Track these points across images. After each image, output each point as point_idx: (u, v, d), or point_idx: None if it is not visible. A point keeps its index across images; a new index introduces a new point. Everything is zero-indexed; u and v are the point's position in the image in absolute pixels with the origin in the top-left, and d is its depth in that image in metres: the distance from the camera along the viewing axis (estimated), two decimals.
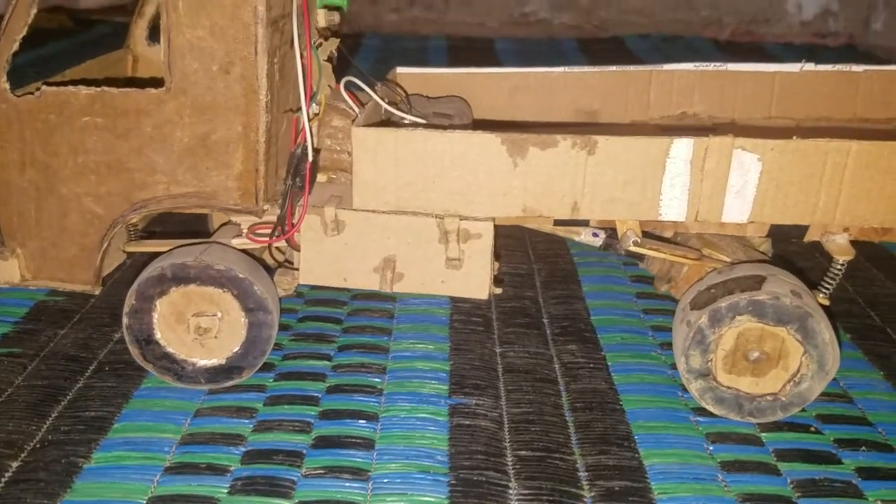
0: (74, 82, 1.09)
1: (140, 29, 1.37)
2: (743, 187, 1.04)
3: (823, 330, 1.04)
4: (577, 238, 1.28)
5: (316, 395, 1.14)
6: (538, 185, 1.07)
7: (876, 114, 1.44)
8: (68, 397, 1.12)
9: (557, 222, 1.14)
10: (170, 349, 1.13)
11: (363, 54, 3.20)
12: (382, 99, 1.21)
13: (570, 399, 1.14)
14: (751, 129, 1.36)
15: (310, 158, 1.08)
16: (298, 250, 1.15)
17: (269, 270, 1.20)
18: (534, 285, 1.46)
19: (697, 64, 1.45)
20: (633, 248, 1.14)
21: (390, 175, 1.08)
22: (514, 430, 1.08)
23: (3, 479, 0.97)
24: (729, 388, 1.09)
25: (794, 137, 1.02)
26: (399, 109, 1.21)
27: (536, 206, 1.08)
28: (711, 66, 1.44)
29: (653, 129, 1.43)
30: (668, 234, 1.22)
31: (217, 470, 1.00)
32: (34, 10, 1.05)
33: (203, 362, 1.14)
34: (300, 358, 1.23)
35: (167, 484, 0.97)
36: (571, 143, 1.05)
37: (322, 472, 1.00)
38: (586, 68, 1.45)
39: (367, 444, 1.05)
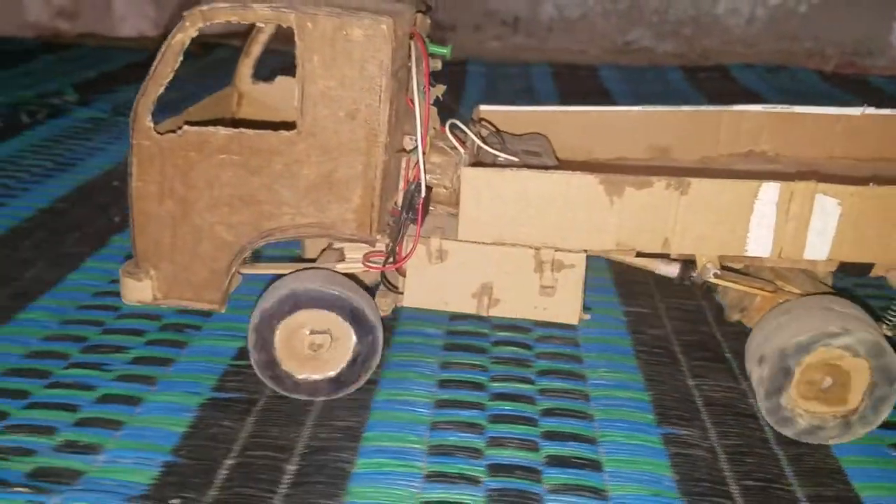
0: (202, 122, 1.16)
1: (246, 67, 1.44)
2: (823, 228, 1.13)
3: (893, 360, 1.13)
4: (655, 270, 1.33)
5: (533, 416, 1.22)
6: (632, 221, 1.16)
7: None
8: (318, 407, 1.21)
9: (638, 254, 1.22)
10: (284, 365, 1.19)
11: (470, 81, 3.26)
12: (480, 139, 1.27)
13: (773, 433, 1.20)
14: (819, 171, 1.44)
15: (422, 195, 1.14)
16: (404, 275, 1.22)
17: (369, 292, 1.26)
18: (706, 319, 1.50)
19: (766, 106, 1.52)
20: (713, 280, 1.23)
21: (494, 211, 1.16)
22: (731, 461, 1.14)
23: (286, 481, 1.07)
24: (806, 412, 1.17)
25: (871, 184, 1.11)
26: (494, 148, 1.27)
27: (629, 241, 1.16)
28: (779, 108, 1.52)
29: (722, 166, 1.50)
30: (740, 265, 1.30)
31: (471, 480, 1.08)
32: (181, 58, 1.10)
33: (314, 377, 1.20)
34: (506, 380, 1.30)
35: (429, 491, 1.06)
36: (666, 184, 1.13)
37: (563, 488, 1.08)
38: (661, 108, 1.53)
39: (595, 465, 1.13)
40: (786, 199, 1.15)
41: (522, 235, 1.17)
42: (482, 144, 1.27)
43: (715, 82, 3.46)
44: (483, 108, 1.48)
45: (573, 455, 1.14)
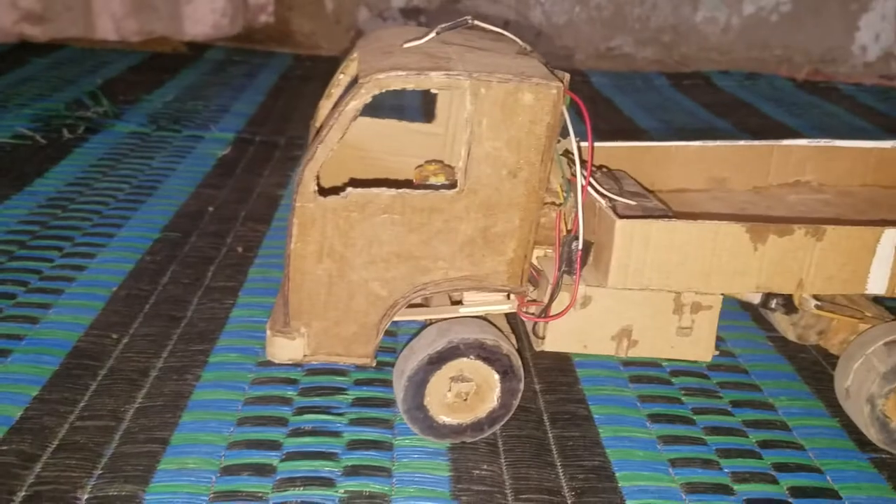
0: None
1: (325, 109, 1.40)
2: None
3: None
4: (739, 297, 1.38)
5: (753, 448, 1.23)
6: (773, 265, 1.17)
7: None
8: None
9: None
10: (430, 411, 1.18)
11: None
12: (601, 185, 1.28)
13: None
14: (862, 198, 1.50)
15: (580, 248, 1.14)
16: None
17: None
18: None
19: (810, 140, 1.57)
20: (815, 311, 1.27)
21: (644, 259, 1.16)
22: None
23: None
24: None
25: None
26: (610, 191, 1.27)
27: (768, 283, 1.18)
28: (822, 143, 1.57)
29: (774, 195, 1.54)
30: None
31: None
32: (351, 125, 1.08)
33: (456, 421, 1.19)
34: (709, 413, 1.30)
35: None
36: (805, 231, 1.16)
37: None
38: (718, 143, 1.55)
39: (833, 494, 1.18)
40: None
41: (669, 281, 1.17)
42: (603, 191, 1.26)
43: (700, 89, 3.54)
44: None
45: (807, 485, 1.19)
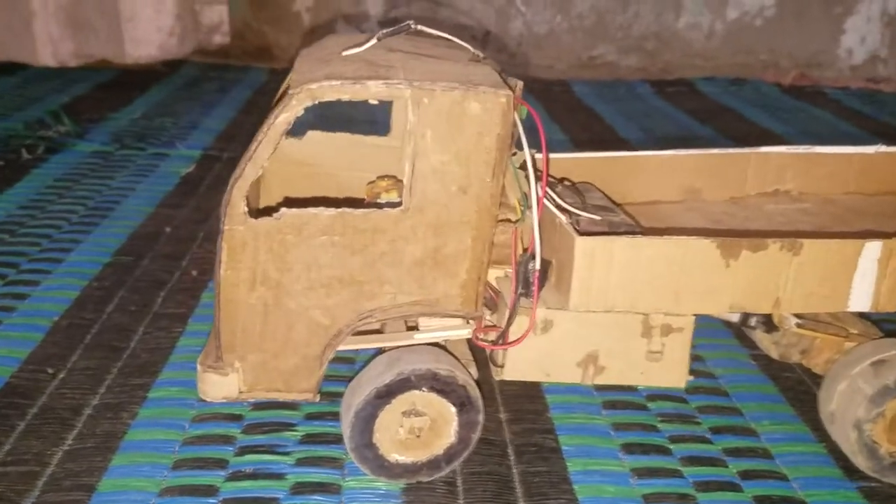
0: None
1: None
2: None
3: None
4: (717, 315, 1.28)
5: (734, 481, 1.14)
6: (747, 283, 1.07)
7: None
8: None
9: None
10: (381, 449, 1.08)
11: None
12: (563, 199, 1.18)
13: None
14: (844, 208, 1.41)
15: (537, 268, 1.04)
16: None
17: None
18: None
19: (789, 147, 1.48)
20: (796, 329, 1.17)
21: (607, 279, 1.06)
22: None
23: None
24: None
25: None
26: (571, 205, 1.17)
27: (742, 302, 1.08)
28: (801, 149, 1.48)
29: (753, 206, 1.45)
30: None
31: None
32: (283, 139, 0.98)
33: (410, 459, 1.09)
34: (685, 441, 1.20)
35: None
36: (780, 246, 1.06)
37: None
38: (692, 151, 1.46)
39: None
40: (886, 255, 1.09)
41: (636, 302, 1.07)
42: (565, 206, 1.15)
43: (684, 96, 3.45)
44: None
45: None
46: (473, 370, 1.15)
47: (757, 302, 1.08)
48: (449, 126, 0.99)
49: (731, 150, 1.47)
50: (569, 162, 1.40)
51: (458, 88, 0.98)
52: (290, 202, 1.08)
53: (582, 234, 1.05)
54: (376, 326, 1.13)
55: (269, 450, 1.17)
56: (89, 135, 2.55)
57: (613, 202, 1.28)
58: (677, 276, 1.06)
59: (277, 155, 1.31)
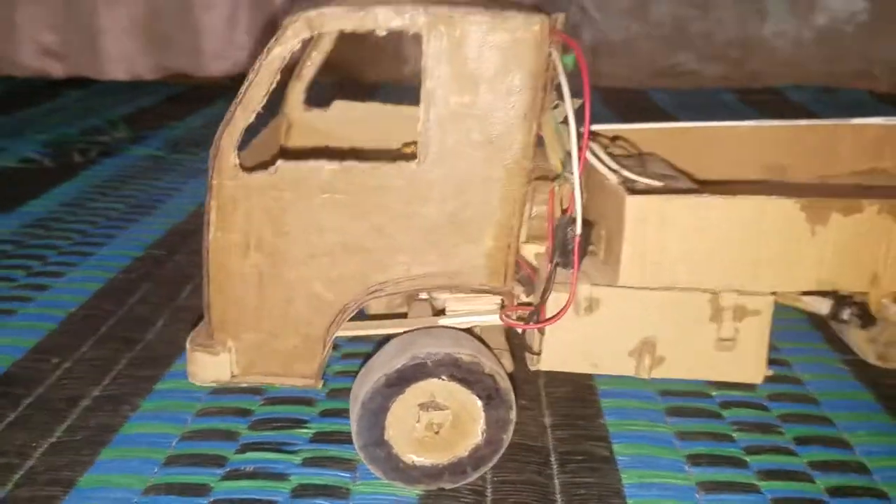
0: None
1: (297, 93, 1.18)
2: None
3: None
4: (802, 306, 1.09)
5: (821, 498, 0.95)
6: (837, 255, 0.88)
7: None
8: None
9: None
10: (394, 448, 0.91)
11: None
12: (616, 162, 1.00)
13: None
14: None
15: (578, 233, 0.87)
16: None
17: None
18: None
19: (887, 119, 1.28)
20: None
21: (665, 248, 0.88)
22: None
23: None
24: None
25: None
26: (632, 172, 1.00)
27: (832, 279, 0.89)
28: None
29: (846, 186, 1.25)
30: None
31: None
32: (278, 78, 0.84)
33: (429, 462, 0.92)
34: (769, 452, 1.03)
35: None
36: (878, 209, 0.86)
37: None
38: (776, 122, 1.27)
39: None
40: None
41: (700, 277, 0.88)
42: (618, 168, 0.98)
43: (771, 104, 3.21)
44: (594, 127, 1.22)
45: None
46: (508, 361, 0.98)
47: (850, 278, 0.89)
48: (471, 61, 0.83)
49: (820, 122, 1.27)
50: (633, 133, 1.22)
51: (483, 14, 0.82)
52: (285, 155, 0.94)
53: (634, 192, 0.87)
54: (390, 303, 0.97)
55: (276, 448, 1.01)
56: (146, 141, 2.48)
57: (682, 173, 1.10)
58: (752, 244, 0.87)
59: (301, 130, 1.21)
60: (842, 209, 0.86)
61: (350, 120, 1.20)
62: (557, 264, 0.88)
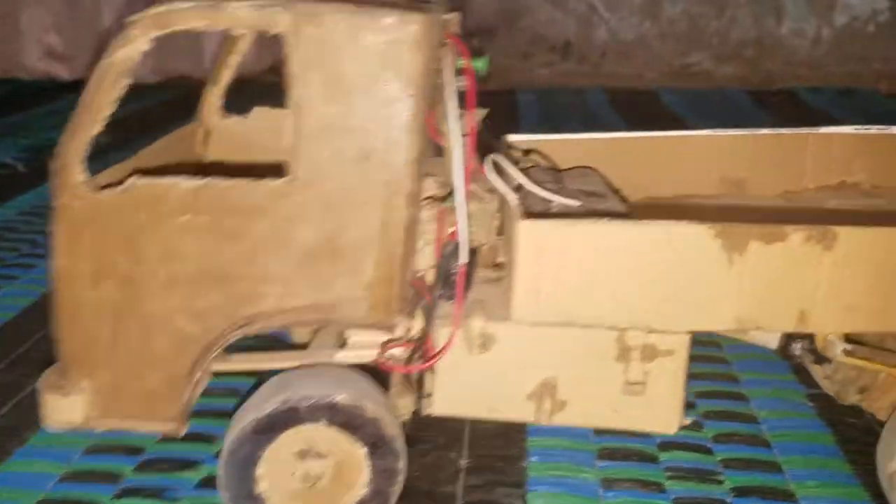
0: (157, 172, 0.80)
1: (214, 97, 1.09)
2: None
3: None
4: (749, 339, 0.98)
5: None
6: (758, 289, 0.77)
7: None
8: None
9: None
10: (268, 500, 0.82)
11: (522, 112, 2.90)
12: (530, 179, 0.90)
13: None
14: None
15: (464, 260, 0.77)
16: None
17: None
18: None
19: (858, 127, 1.16)
20: (842, 359, 0.85)
21: (562, 280, 0.78)
22: None
23: None
24: None
25: None
26: (546, 189, 0.90)
27: (754, 316, 0.78)
28: (874, 129, 1.15)
29: (811, 201, 1.13)
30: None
31: None
32: (126, 81, 0.76)
33: None
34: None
35: None
36: (805, 236, 0.75)
37: None
38: (732, 131, 1.16)
39: None
40: None
41: (602, 313, 0.78)
42: (530, 185, 0.89)
43: (786, 107, 3.07)
44: (512, 137, 1.10)
45: None
46: (408, 401, 0.88)
47: (774, 315, 0.78)
48: (342, 66, 0.74)
49: (781, 131, 1.15)
50: (572, 144, 1.12)
51: (354, 13, 0.73)
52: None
53: (529, 216, 0.78)
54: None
55: (156, 493, 0.93)
56: (129, 145, 2.41)
57: (616, 191, 1.00)
58: (660, 276, 0.77)
59: (218, 138, 1.12)
60: (762, 237, 0.74)
61: (271, 128, 1.12)
62: (440, 297, 0.79)
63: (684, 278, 0.76)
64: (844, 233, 0.75)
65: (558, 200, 0.88)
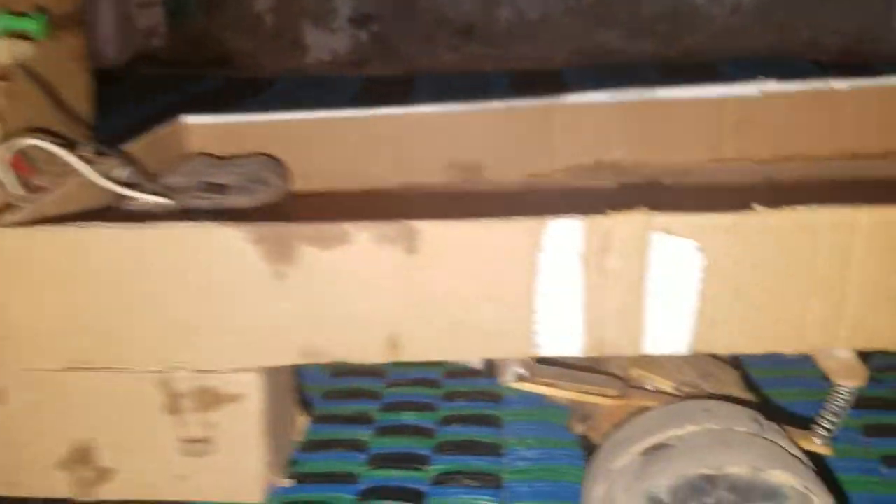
0: None
1: None
2: (674, 295, 0.53)
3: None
4: (462, 361, 0.78)
5: None
6: (323, 311, 0.56)
7: (869, 145, 0.99)
8: None
9: None
10: None
11: (417, 98, 2.71)
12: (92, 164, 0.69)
13: None
14: (691, 186, 0.87)
15: None
16: None
17: None
18: None
19: (614, 92, 0.96)
20: (516, 386, 0.64)
21: (60, 306, 0.57)
22: None
23: None
24: None
25: (755, 205, 0.51)
26: (128, 179, 0.69)
27: (326, 346, 0.57)
28: (634, 95, 0.95)
29: (560, 189, 0.92)
30: None
31: None
32: None
33: None
34: None
35: None
36: (377, 236, 0.54)
37: None
38: (460, 106, 0.94)
39: None
40: (597, 246, 0.55)
41: (122, 350, 0.58)
42: (86, 169, 0.67)
43: (702, 82, 2.89)
44: (189, 119, 0.90)
45: None
46: None
47: (353, 344, 0.57)
48: None
49: (522, 103, 0.94)
50: (277, 126, 0.91)
51: None
52: None
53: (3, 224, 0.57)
54: None
55: None
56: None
57: (281, 183, 0.79)
58: (191, 299, 0.56)
59: None
60: (314, 238, 0.53)
61: None
62: None
63: (224, 299, 0.55)
64: (428, 229, 0.53)
65: (146, 197, 0.67)
